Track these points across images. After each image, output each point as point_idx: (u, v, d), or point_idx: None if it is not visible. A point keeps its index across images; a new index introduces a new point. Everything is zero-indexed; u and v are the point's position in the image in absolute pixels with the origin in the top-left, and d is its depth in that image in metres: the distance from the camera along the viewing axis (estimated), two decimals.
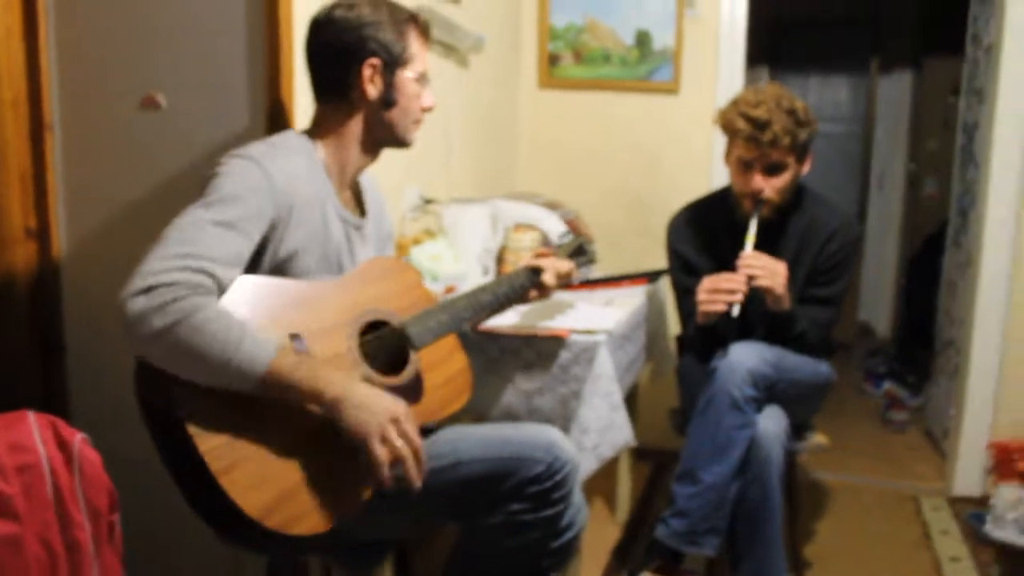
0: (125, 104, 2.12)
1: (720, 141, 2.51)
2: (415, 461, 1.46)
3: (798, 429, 2.48)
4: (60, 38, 2.12)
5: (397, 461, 1.44)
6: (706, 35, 3.36)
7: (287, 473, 1.44)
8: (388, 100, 1.74)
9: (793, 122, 2.32)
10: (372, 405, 1.43)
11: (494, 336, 2.20)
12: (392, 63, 1.72)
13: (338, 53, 1.71)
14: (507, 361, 2.22)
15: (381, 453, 1.42)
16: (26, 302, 2.14)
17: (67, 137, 2.16)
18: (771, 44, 5.71)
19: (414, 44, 1.76)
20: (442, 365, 1.80)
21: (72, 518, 1.29)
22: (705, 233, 2.53)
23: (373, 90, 1.72)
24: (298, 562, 2.06)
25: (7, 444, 1.22)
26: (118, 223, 2.18)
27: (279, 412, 1.46)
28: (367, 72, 1.70)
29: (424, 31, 1.80)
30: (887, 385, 4.44)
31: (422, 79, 1.79)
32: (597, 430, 2.19)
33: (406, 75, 1.75)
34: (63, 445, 1.30)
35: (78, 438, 1.33)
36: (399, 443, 1.44)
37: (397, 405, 1.47)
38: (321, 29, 1.73)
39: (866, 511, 3.16)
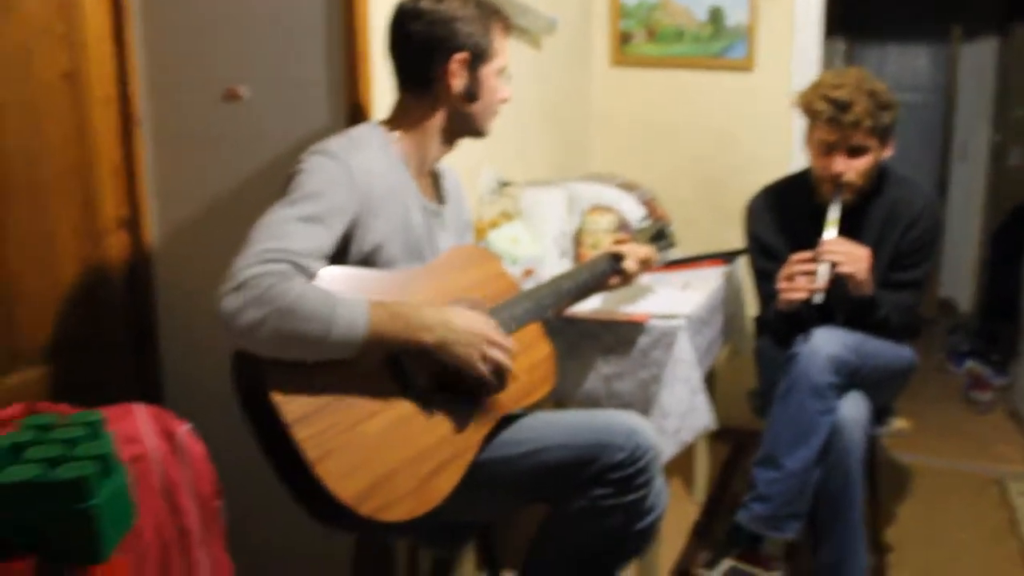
0: (208, 98, 2.18)
1: (798, 117, 2.46)
2: (508, 360, 1.65)
3: (879, 413, 2.45)
4: (147, 37, 2.18)
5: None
6: (781, 9, 3.29)
7: (381, 460, 1.48)
8: (471, 94, 1.76)
9: (875, 104, 2.27)
10: (467, 335, 1.57)
11: (574, 321, 2.22)
12: (478, 58, 1.74)
13: (425, 45, 1.72)
14: (587, 346, 2.23)
15: (485, 370, 1.60)
16: (121, 291, 2.22)
17: (155, 131, 2.23)
18: (847, 14, 5.57)
19: (498, 38, 1.78)
20: (527, 352, 1.82)
21: (180, 506, 1.35)
22: (785, 217, 2.50)
23: (458, 84, 1.73)
24: (385, 540, 2.11)
25: (119, 436, 1.27)
26: (205, 212, 2.24)
27: (373, 399, 1.50)
28: (454, 66, 1.72)
29: (507, 25, 1.82)
30: (970, 363, 4.33)
31: (503, 72, 1.80)
32: (678, 414, 2.20)
33: (489, 69, 1.76)
34: (169, 436, 1.35)
35: (183, 429, 1.39)
36: (497, 355, 1.61)
37: (485, 325, 1.61)
38: (408, 19, 1.74)
39: (949, 495, 3.10)
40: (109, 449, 0.94)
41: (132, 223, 2.23)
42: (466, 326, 1.58)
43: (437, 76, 1.73)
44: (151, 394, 2.27)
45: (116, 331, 2.21)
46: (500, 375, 1.66)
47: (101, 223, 2.15)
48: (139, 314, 2.27)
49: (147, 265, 2.27)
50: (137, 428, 1.30)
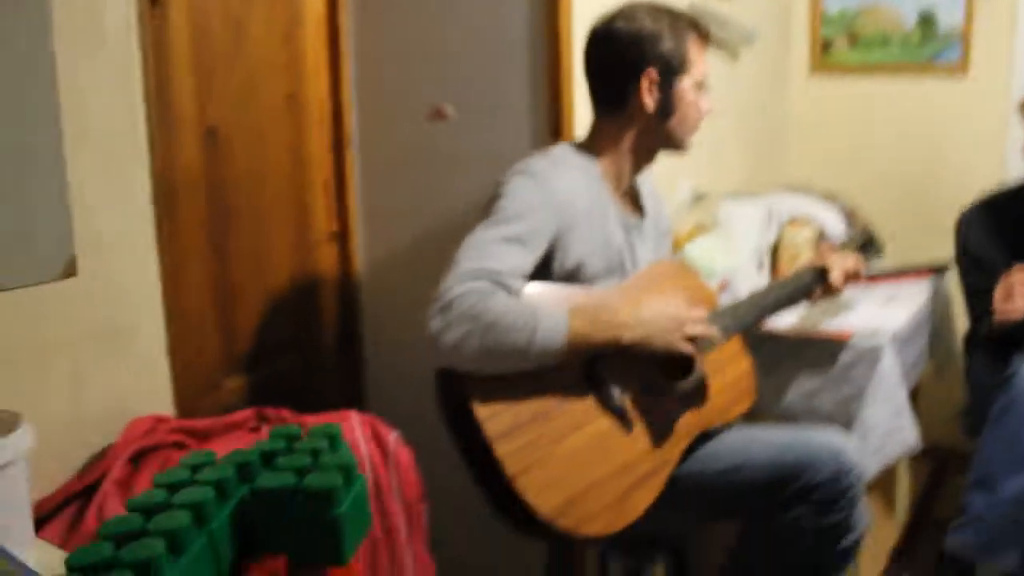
0: (415, 119, 2.28)
1: (1016, 125, 2.32)
2: (710, 330, 1.68)
3: None
4: (359, 60, 2.31)
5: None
6: (1001, 8, 3.10)
7: (578, 476, 1.51)
8: (666, 110, 1.74)
9: None
10: (663, 326, 1.60)
11: (774, 336, 2.18)
12: (670, 73, 1.73)
13: (616, 66, 1.73)
14: (787, 361, 2.19)
15: (689, 348, 1.63)
16: (331, 301, 2.36)
17: (364, 150, 2.36)
18: None
19: (693, 50, 1.75)
20: (727, 367, 1.82)
21: (389, 508, 1.43)
22: (1002, 230, 2.37)
23: (651, 101, 1.73)
24: (577, 551, 2.15)
25: None
26: (409, 226, 2.34)
27: (572, 414, 1.54)
28: (645, 84, 1.71)
29: (704, 36, 1.79)
30: None
31: (701, 85, 1.78)
32: (881, 433, 2.12)
33: (684, 83, 1.74)
34: (381, 442, 1.44)
35: (393, 436, 1.47)
36: (697, 330, 1.63)
37: (677, 309, 1.64)
38: (601, 42, 1.76)
39: None
40: (351, 460, 1.02)
41: (342, 237, 2.37)
42: (661, 313, 1.61)
43: (630, 94, 1.73)
44: (354, 400, 2.39)
45: (325, 338, 2.35)
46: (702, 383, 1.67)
47: (314, 235, 2.29)
48: (346, 323, 2.40)
49: (354, 277, 2.40)
50: (353, 434, 1.39)
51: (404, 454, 1.48)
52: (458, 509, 1.95)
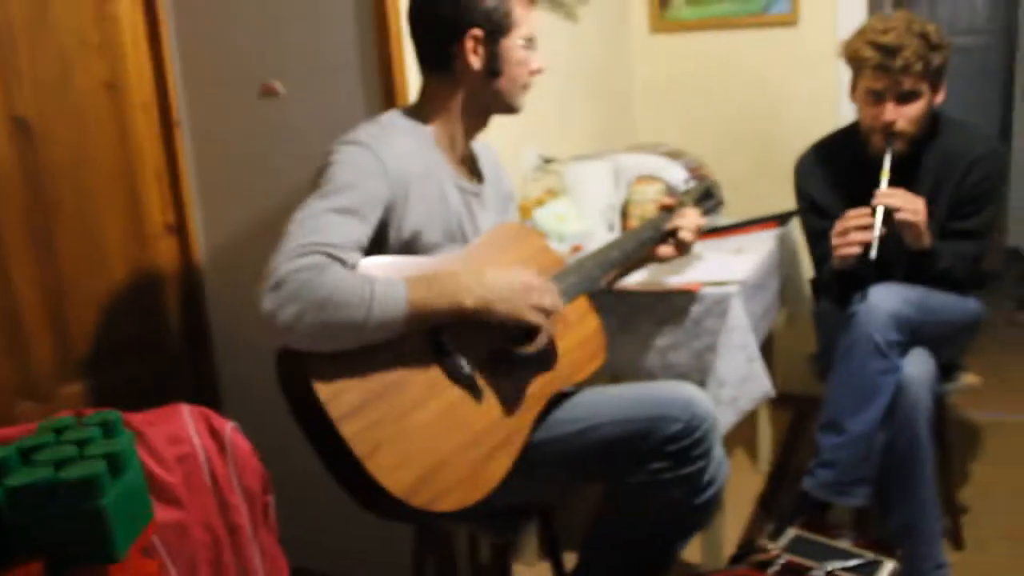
0: (246, 95, 2.19)
1: (846, 74, 2.39)
2: (557, 302, 1.64)
3: (947, 370, 2.37)
4: (181, 37, 2.20)
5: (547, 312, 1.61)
6: None
7: (430, 450, 1.46)
8: (493, 70, 1.71)
9: (925, 46, 2.19)
10: (508, 289, 1.55)
11: (625, 295, 2.18)
12: (495, 32, 1.69)
13: (439, 26, 1.69)
14: (639, 319, 2.20)
15: (538, 318, 1.59)
16: (174, 296, 2.25)
17: (195, 132, 2.25)
18: None
19: (518, 8, 1.71)
20: (575, 328, 1.80)
21: (229, 502, 1.36)
22: (835, 172, 2.43)
23: (477, 61, 1.69)
24: (445, 527, 2.12)
25: (166, 436, 1.29)
26: (249, 210, 2.26)
27: (419, 387, 1.49)
28: (469, 44, 1.68)
29: None
30: None
31: (529, 43, 1.74)
32: (734, 383, 2.15)
33: (512, 42, 1.71)
34: (216, 434, 1.36)
35: (228, 427, 1.40)
36: (546, 301, 1.60)
37: (524, 275, 1.59)
38: (423, 2, 1.71)
39: None
40: (122, 447, 0.94)
41: (180, 228, 2.26)
42: (506, 280, 1.55)
43: (455, 55, 1.69)
44: (207, 397, 2.30)
45: (169, 336, 2.24)
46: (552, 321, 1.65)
47: (149, 228, 2.18)
48: (192, 318, 2.30)
49: (196, 268, 2.29)
50: (184, 428, 1.32)
51: (243, 445, 1.40)
52: (322, 500, 1.89)
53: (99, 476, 0.88)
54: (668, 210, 2.07)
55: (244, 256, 2.25)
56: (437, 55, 1.72)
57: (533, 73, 1.77)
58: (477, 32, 1.67)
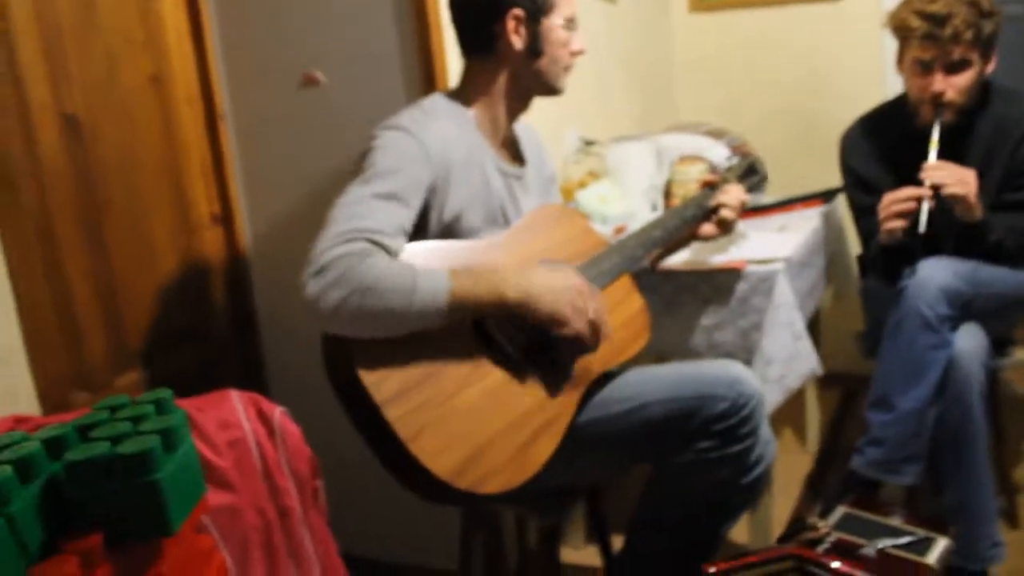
0: (287, 85, 2.21)
1: (891, 46, 2.35)
2: (603, 313, 1.59)
3: (1000, 345, 2.33)
4: (223, 31, 2.22)
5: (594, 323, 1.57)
6: None
7: (474, 432, 1.47)
8: (535, 50, 1.71)
9: (976, 13, 2.14)
10: (554, 290, 1.52)
11: (670, 274, 2.17)
12: (536, 12, 1.69)
13: (480, 7, 1.69)
14: (684, 298, 2.19)
15: (581, 326, 1.55)
16: (221, 286, 2.29)
17: (239, 124, 2.28)
18: None
19: None
20: (619, 308, 1.79)
21: (279, 486, 1.38)
22: (882, 146, 2.39)
23: (519, 41, 1.69)
24: (492, 510, 2.13)
25: (216, 422, 1.31)
26: (293, 198, 2.28)
27: (463, 371, 1.50)
28: (511, 24, 1.68)
29: None
30: None
31: (570, 24, 1.74)
32: (781, 360, 2.13)
33: (552, 22, 1.71)
34: (265, 419, 1.38)
35: (278, 412, 1.41)
36: (591, 307, 1.56)
37: (573, 278, 1.56)
38: None
39: None
40: (175, 423, 0.96)
41: (226, 218, 2.29)
42: (550, 282, 1.53)
43: (496, 35, 1.69)
44: (255, 384, 2.33)
45: (217, 324, 2.28)
46: (595, 332, 1.59)
47: (195, 219, 2.21)
48: (239, 307, 2.33)
49: (242, 258, 2.33)
50: (234, 413, 1.34)
51: (292, 429, 1.42)
52: (372, 484, 1.91)
53: (154, 450, 0.91)
54: (711, 187, 2.05)
55: (289, 244, 2.28)
56: (478, 37, 1.72)
57: (575, 54, 1.77)
58: (518, 12, 1.68)
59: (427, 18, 2.01)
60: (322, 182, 2.22)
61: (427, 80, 2.05)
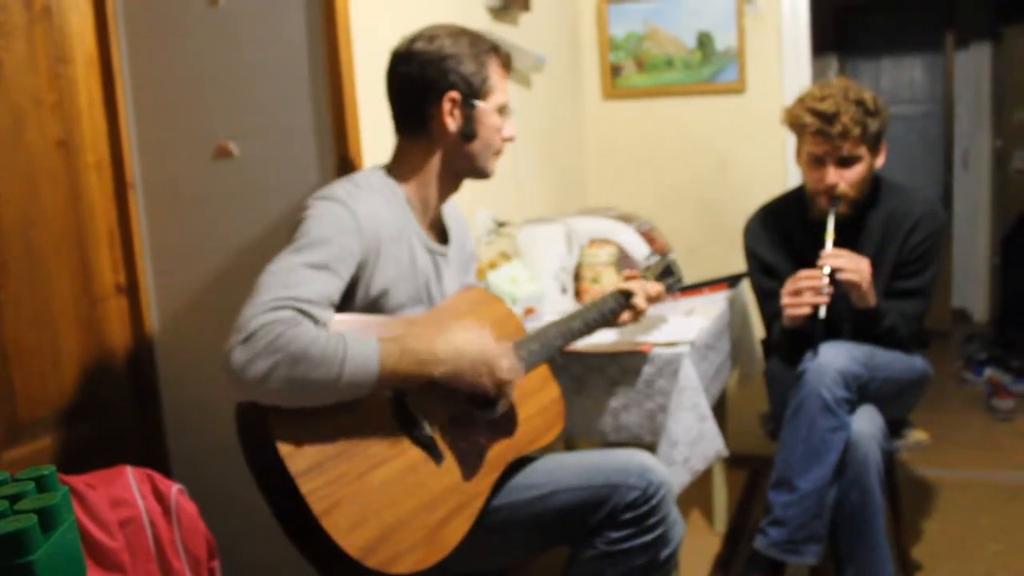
0: (200, 156, 2.19)
1: (792, 138, 2.46)
2: (518, 375, 1.64)
3: (896, 427, 2.41)
4: (137, 99, 2.20)
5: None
6: (768, 29, 3.30)
7: (388, 510, 1.45)
8: (468, 133, 1.73)
9: (862, 112, 2.27)
10: (476, 361, 1.55)
11: (579, 356, 2.20)
12: (472, 95, 1.72)
13: (418, 87, 1.71)
14: (592, 380, 2.21)
15: (504, 392, 1.62)
16: (123, 359, 2.22)
17: (149, 193, 2.24)
18: (837, 30, 5.60)
19: (494, 75, 1.75)
20: (535, 395, 1.81)
21: (173, 568, 1.33)
22: (782, 234, 2.49)
23: (453, 123, 1.72)
24: None
25: (109, 499, 1.26)
26: (203, 272, 2.24)
27: (380, 447, 1.48)
28: (447, 105, 1.70)
29: (505, 62, 1.80)
30: (989, 372, 4.28)
31: (503, 110, 1.78)
32: (687, 443, 2.16)
33: (487, 107, 1.74)
34: (161, 497, 1.34)
35: (175, 489, 1.37)
36: (508, 376, 1.60)
37: (491, 348, 1.58)
38: (401, 62, 1.74)
39: (977, 507, 3.03)
40: (55, 501, 0.93)
41: (131, 289, 2.23)
42: (473, 354, 1.55)
43: (432, 116, 1.72)
44: (155, 460, 2.25)
45: (118, 397, 2.20)
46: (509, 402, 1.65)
47: (99, 289, 2.15)
48: (141, 381, 2.26)
49: (147, 331, 2.26)
50: (128, 490, 1.29)
51: (189, 508, 1.38)
52: (278, 563, 1.85)
53: (29, 530, 0.87)
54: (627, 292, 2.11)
55: (196, 316, 2.23)
56: (414, 116, 1.74)
57: (506, 140, 1.80)
58: (455, 95, 1.70)
59: (343, 94, 2.02)
60: (231, 254, 2.19)
61: (341, 156, 2.05)
